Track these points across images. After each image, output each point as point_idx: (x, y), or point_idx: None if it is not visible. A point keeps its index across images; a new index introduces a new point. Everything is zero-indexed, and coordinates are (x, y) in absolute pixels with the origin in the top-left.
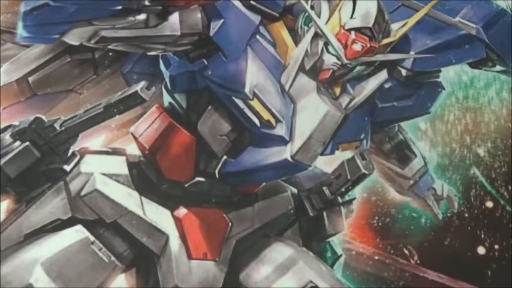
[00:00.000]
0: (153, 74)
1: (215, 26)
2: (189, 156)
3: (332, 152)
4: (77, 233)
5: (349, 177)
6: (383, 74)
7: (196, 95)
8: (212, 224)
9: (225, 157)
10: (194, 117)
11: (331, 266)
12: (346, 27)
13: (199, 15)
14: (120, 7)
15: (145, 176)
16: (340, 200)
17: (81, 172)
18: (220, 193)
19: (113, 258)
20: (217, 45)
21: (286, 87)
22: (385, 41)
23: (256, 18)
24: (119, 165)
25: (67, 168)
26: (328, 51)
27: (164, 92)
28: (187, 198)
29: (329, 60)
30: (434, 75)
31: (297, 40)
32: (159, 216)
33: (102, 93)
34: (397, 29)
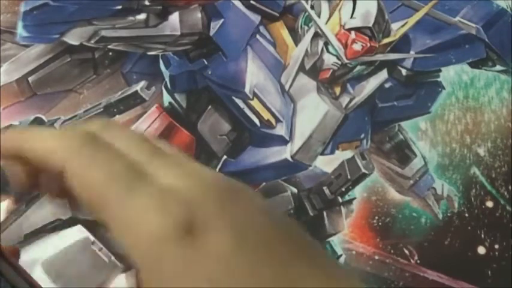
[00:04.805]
0: (153, 74)
1: (215, 25)
2: (189, 156)
3: (332, 152)
4: (76, 233)
5: (349, 177)
6: (383, 74)
7: (196, 95)
8: None
9: (225, 157)
10: (194, 117)
11: None
12: (346, 27)
13: (199, 15)
14: (120, 7)
15: None
16: (340, 199)
17: None
18: None
19: (113, 258)
20: (217, 45)
21: (286, 87)
22: (385, 40)
23: (256, 18)
24: None
25: None
26: (328, 51)
27: (164, 92)
28: None
29: (329, 60)
30: (434, 75)
31: (297, 40)
32: None
33: (102, 93)
34: (397, 28)
